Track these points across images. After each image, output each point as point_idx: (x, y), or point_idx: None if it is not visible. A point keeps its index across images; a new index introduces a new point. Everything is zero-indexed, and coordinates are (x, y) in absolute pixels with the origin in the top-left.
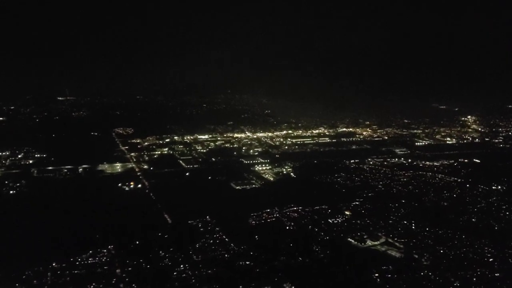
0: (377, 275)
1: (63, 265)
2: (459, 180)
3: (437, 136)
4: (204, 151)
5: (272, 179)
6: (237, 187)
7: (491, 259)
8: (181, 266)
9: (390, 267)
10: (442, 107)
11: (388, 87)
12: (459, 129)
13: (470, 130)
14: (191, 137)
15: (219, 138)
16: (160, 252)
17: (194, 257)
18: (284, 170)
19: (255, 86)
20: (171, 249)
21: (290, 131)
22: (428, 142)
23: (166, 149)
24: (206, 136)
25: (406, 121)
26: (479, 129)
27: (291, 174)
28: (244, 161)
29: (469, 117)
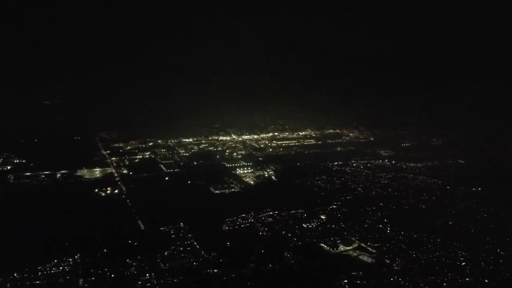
0: (346, 281)
1: (25, 275)
2: (439, 182)
3: (423, 137)
4: (187, 154)
5: (252, 182)
6: (216, 191)
7: (463, 263)
8: (147, 275)
9: (360, 273)
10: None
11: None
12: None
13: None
14: (175, 140)
15: (203, 141)
16: (127, 260)
17: (162, 265)
18: (265, 173)
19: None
20: (139, 257)
21: (276, 133)
22: (414, 143)
23: (148, 153)
24: (190, 139)
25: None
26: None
27: (273, 177)
28: (226, 165)
29: None
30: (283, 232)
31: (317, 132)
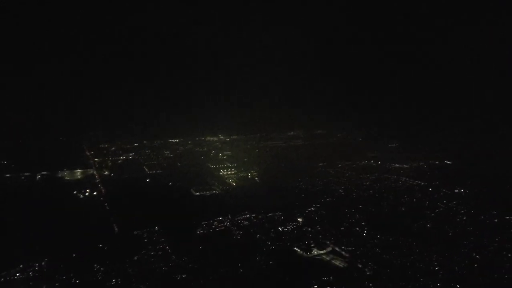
0: (316, 287)
1: None
2: (422, 183)
3: (412, 138)
4: (172, 155)
5: (234, 184)
6: (196, 193)
7: (436, 268)
8: (113, 280)
9: (331, 278)
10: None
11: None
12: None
13: None
14: (161, 141)
15: (189, 142)
16: (95, 265)
17: (130, 270)
18: (249, 174)
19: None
20: (107, 261)
21: (264, 134)
22: (402, 143)
23: (132, 153)
24: (177, 140)
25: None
26: None
27: (256, 178)
28: (210, 166)
29: None
30: (258, 235)
31: (305, 133)
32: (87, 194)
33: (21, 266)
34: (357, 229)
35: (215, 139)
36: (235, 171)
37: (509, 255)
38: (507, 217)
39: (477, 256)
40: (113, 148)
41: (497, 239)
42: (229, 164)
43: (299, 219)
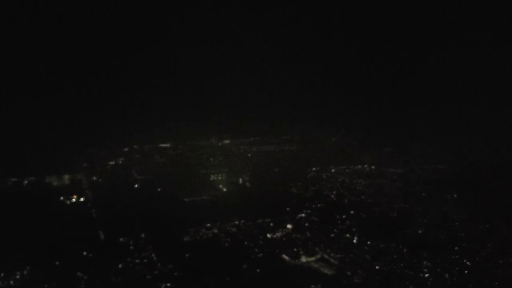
0: None
1: None
2: (415, 188)
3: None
4: (162, 160)
5: (225, 189)
6: (186, 199)
7: (426, 275)
8: None
9: (319, 286)
10: None
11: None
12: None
13: None
14: (151, 146)
15: (180, 147)
16: (78, 273)
17: (113, 279)
18: (240, 180)
19: None
20: (91, 269)
21: (257, 138)
22: (397, 147)
23: (122, 158)
24: (168, 144)
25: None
26: None
27: (247, 184)
28: (201, 171)
29: None
30: (246, 242)
31: (299, 137)
32: (73, 200)
33: (2, 274)
34: (348, 235)
35: (207, 143)
36: (226, 177)
37: (500, 261)
38: (500, 223)
39: (468, 263)
40: (102, 152)
41: (489, 245)
42: (220, 169)
43: (288, 226)
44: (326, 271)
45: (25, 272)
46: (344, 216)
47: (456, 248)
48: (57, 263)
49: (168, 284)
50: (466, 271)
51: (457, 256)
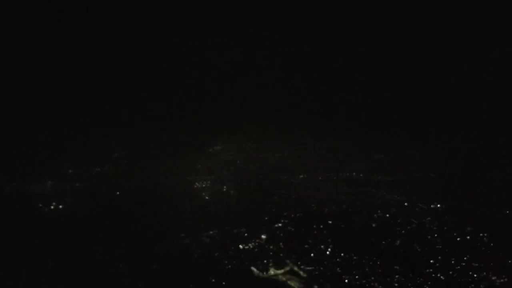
0: None
1: None
2: (399, 197)
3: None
4: (149, 167)
5: (207, 197)
6: (167, 208)
7: None
8: None
9: None
10: None
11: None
12: None
13: None
14: (139, 153)
15: (168, 154)
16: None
17: None
18: (225, 187)
19: None
20: (57, 283)
21: (249, 143)
22: (388, 154)
23: (108, 164)
24: (156, 151)
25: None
26: None
27: (231, 192)
28: (186, 178)
29: None
30: (216, 254)
31: (290, 143)
32: (52, 207)
33: None
34: (322, 246)
35: (195, 150)
36: (211, 184)
37: (475, 275)
38: (480, 234)
39: (442, 277)
40: (89, 157)
41: (465, 258)
42: (206, 177)
43: (263, 236)
44: (293, 284)
45: None
46: (321, 226)
47: (431, 261)
48: (25, 275)
49: None
50: (438, 287)
51: (431, 270)
